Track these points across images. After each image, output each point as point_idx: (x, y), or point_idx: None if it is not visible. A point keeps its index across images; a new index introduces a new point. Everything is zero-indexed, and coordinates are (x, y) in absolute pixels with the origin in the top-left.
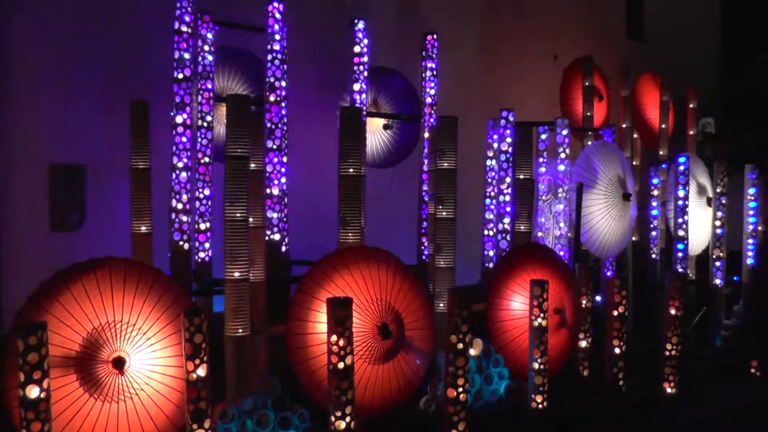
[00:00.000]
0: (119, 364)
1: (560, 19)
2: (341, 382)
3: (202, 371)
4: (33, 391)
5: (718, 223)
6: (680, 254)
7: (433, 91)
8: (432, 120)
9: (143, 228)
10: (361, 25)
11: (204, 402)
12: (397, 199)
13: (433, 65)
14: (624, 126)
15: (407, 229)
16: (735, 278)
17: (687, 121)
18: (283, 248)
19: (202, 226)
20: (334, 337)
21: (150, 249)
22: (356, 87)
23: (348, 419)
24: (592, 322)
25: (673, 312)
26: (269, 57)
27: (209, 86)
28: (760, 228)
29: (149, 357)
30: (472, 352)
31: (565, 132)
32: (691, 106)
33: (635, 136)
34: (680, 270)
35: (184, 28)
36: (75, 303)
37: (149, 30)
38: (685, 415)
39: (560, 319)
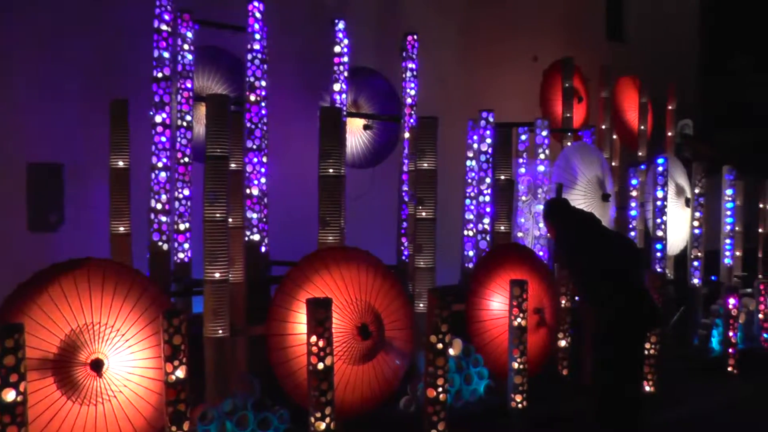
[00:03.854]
0: (97, 366)
1: (540, 20)
2: (321, 383)
3: (181, 373)
4: (9, 395)
5: (696, 223)
6: (659, 254)
7: (413, 92)
8: (412, 120)
9: (122, 228)
10: (341, 26)
11: (183, 404)
12: (377, 199)
13: (413, 66)
14: (603, 127)
15: (387, 229)
16: (713, 278)
17: (666, 123)
18: (263, 249)
19: (182, 227)
20: (313, 338)
21: (129, 250)
22: (336, 87)
23: (328, 420)
24: (572, 321)
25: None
26: (249, 56)
27: (189, 85)
28: (737, 228)
29: (128, 359)
30: (452, 352)
31: (544, 133)
32: (669, 107)
33: (614, 137)
34: (659, 270)
35: (164, 27)
36: (53, 304)
37: (129, 28)
38: (664, 413)
39: (540, 318)
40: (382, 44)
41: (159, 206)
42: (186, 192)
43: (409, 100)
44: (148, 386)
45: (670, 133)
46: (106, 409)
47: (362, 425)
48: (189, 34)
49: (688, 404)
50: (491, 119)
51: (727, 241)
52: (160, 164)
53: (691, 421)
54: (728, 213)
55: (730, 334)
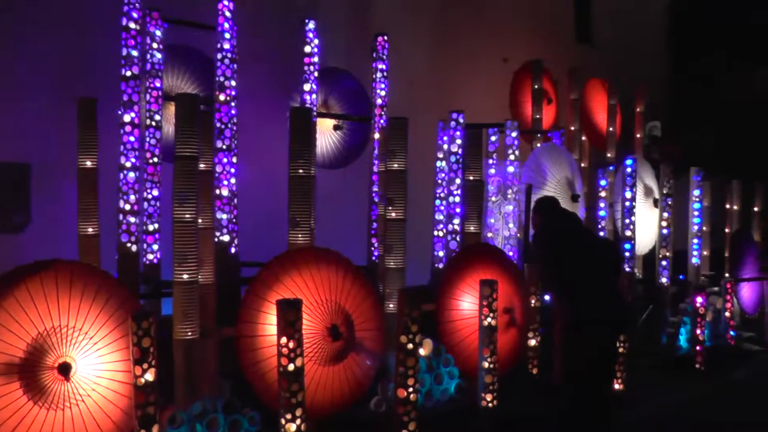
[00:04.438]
0: (65, 370)
1: (510, 22)
2: (291, 384)
3: (150, 376)
4: None
5: (664, 223)
6: (627, 254)
7: (383, 92)
8: (382, 121)
9: (90, 229)
10: (311, 25)
11: (152, 407)
12: (348, 200)
13: (384, 66)
14: (572, 128)
15: (357, 230)
16: (680, 277)
17: (634, 125)
18: (233, 250)
19: (151, 228)
20: (284, 339)
21: (97, 251)
22: (306, 87)
23: (298, 421)
24: (541, 321)
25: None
26: (219, 56)
27: (158, 85)
28: (704, 228)
29: (96, 362)
30: (422, 352)
31: (514, 134)
32: (638, 109)
33: (583, 138)
34: (627, 269)
35: (132, 25)
36: (19, 307)
37: (96, 26)
38: (633, 410)
39: (510, 318)
40: (352, 45)
41: (128, 207)
42: (155, 192)
43: (379, 101)
44: (117, 390)
45: (638, 135)
46: (74, 414)
47: (333, 426)
48: (158, 33)
49: (656, 401)
50: (461, 120)
51: (695, 240)
52: (128, 164)
53: (659, 418)
54: (695, 213)
55: (698, 331)
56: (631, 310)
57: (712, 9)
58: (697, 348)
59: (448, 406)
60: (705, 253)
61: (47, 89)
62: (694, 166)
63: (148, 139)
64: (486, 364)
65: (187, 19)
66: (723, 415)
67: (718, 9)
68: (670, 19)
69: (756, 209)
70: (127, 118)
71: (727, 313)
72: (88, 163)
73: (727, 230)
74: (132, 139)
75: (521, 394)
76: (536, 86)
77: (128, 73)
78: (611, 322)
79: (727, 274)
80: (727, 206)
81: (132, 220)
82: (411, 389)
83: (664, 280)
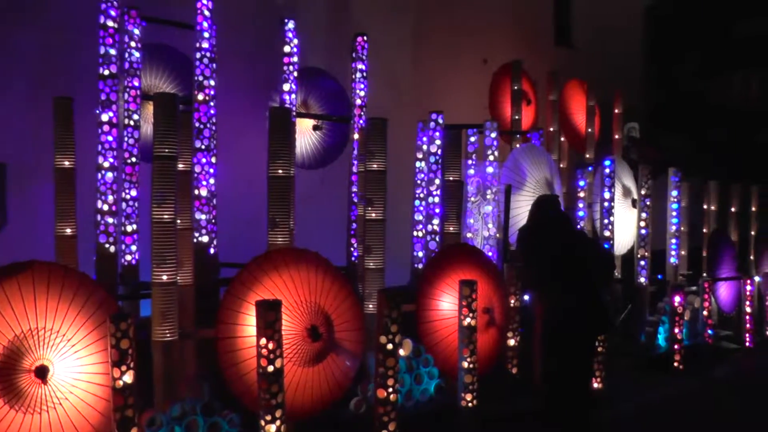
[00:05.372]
0: (42, 373)
1: (490, 24)
2: (271, 386)
3: (128, 378)
4: None
5: (642, 223)
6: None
7: (362, 93)
8: (362, 121)
9: (68, 230)
10: (291, 25)
11: (131, 409)
12: (327, 200)
13: (363, 66)
14: (551, 129)
15: (337, 230)
16: (659, 276)
17: (612, 126)
18: (212, 250)
19: (129, 228)
20: (263, 340)
21: (75, 252)
22: (286, 87)
23: (278, 423)
24: (521, 321)
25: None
26: (198, 55)
27: (136, 84)
28: (682, 228)
29: (74, 365)
30: (402, 352)
31: (493, 135)
32: (616, 111)
33: (562, 139)
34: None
35: (110, 23)
36: None
37: (74, 24)
38: (612, 408)
39: (489, 318)
40: (332, 44)
41: (106, 207)
42: (133, 193)
43: (358, 101)
44: (95, 392)
45: (616, 136)
46: (52, 418)
47: (313, 427)
48: (136, 31)
49: (635, 399)
50: (441, 121)
51: (673, 240)
52: (106, 164)
53: (638, 416)
54: (674, 213)
55: (676, 330)
56: (609, 315)
57: (690, 14)
58: (676, 347)
59: (428, 406)
60: (683, 252)
61: (23, 88)
62: (672, 167)
63: (126, 139)
64: (465, 364)
65: (166, 17)
66: (701, 413)
67: (696, 14)
68: (648, 23)
69: (733, 209)
70: (105, 117)
71: (705, 312)
72: (66, 163)
73: (704, 230)
74: (110, 138)
75: (501, 394)
76: (515, 87)
77: (106, 72)
78: (588, 325)
79: (704, 274)
80: (705, 206)
81: (110, 220)
82: (391, 389)
83: (642, 279)
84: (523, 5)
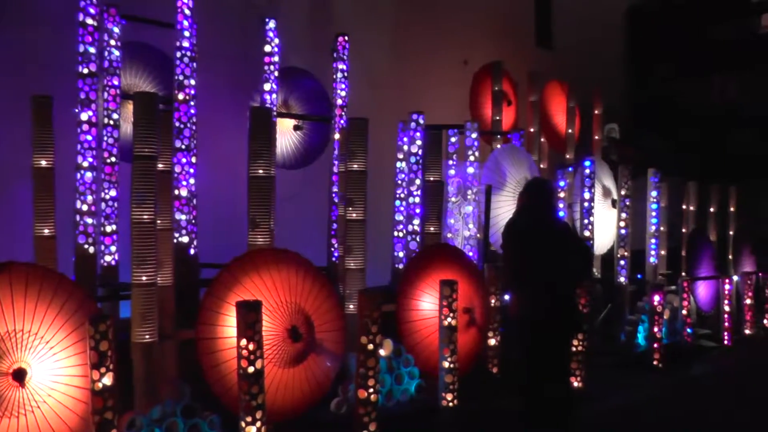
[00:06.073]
0: (20, 376)
1: (471, 25)
2: (251, 387)
3: (108, 380)
4: None
5: (622, 223)
6: None
7: (343, 93)
8: (342, 121)
9: (46, 231)
10: (272, 24)
11: (110, 412)
12: (308, 200)
13: (344, 67)
14: (532, 130)
15: (317, 230)
16: (638, 276)
17: (592, 127)
18: (192, 251)
19: (108, 229)
20: (243, 341)
21: (54, 253)
22: (267, 87)
23: (259, 424)
24: (501, 320)
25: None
26: (178, 54)
27: (116, 83)
28: (662, 228)
29: (52, 367)
30: (383, 352)
31: (474, 135)
32: (596, 112)
33: (543, 140)
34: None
35: (89, 21)
36: None
37: (52, 21)
38: (593, 407)
39: (470, 318)
40: (313, 44)
41: (85, 207)
42: (113, 193)
43: (339, 101)
44: (74, 395)
45: (596, 137)
46: (29, 421)
47: (294, 428)
48: (116, 29)
49: (615, 398)
50: (421, 121)
51: (652, 240)
52: (85, 164)
53: (618, 414)
54: (653, 214)
55: (655, 329)
56: (580, 315)
57: (669, 16)
58: (655, 345)
59: (408, 406)
60: (662, 252)
61: (0, 85)
62: (651, 168)
63: (105, 139)
64: (446, 364)
65: (146, 16)
66: (680, 411)
67: (675, 16)
68: (628, 25)
69: (712, 210)
70: (84, 116)
71: (684, 311)
72: (44, 163)
73: (683, 230)
74: (89, 138)
75: (481, 394)
76: (496, 88)
77: (85, 71)
78: (559, 323)
79: (683, 273)
80: (684, 206)
81: (89, 221)
82: (371, 390)
83: (622, 279)
84: (504, 6)
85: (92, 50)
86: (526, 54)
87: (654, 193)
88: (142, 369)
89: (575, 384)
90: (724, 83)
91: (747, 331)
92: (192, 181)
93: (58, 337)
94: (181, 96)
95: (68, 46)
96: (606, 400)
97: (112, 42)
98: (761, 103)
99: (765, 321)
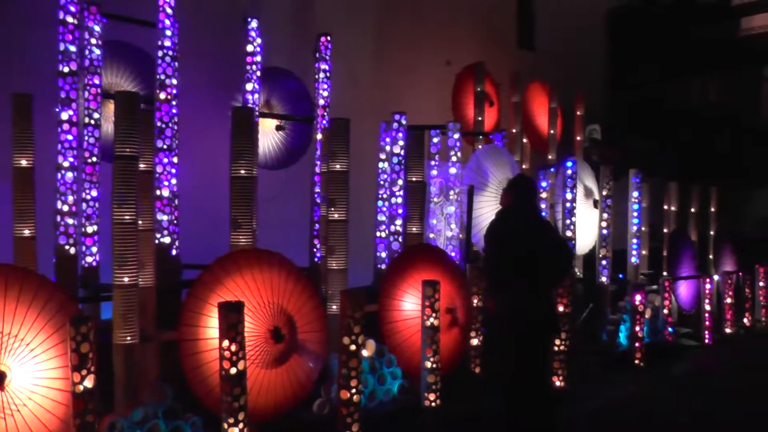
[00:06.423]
0: (0, 378)
1: (454, 26)
2: (234, 388)
3: (89, 382)
4: None
5: (604, 224)
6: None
7: (326, 93)
8: (325, 122)
9: (26, 231)
10: (254, 24)
11: (91, 415)
12: (290, 201)
13: (327, 67)
14: (514, 131)
15: (300, 231)
16: (620, 276)
17: (574, 127)
18: (174, 251)
19: (89, 229)
20: (225, 342)
21: (34, 254)
22: (249, 87)
23: (241, 425)
24: (483, 320)
25: (561, 309)
26: (160, 53)
27: (97, 82)
28: (643, 228)
29: (33, 370)
30: (365, 353)
31: (456, 136)
32: (578, 113)
33: (525, 140)
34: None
35: (70, 19)
36: None
37: (32, 19)
38: (575, 406)
39: (452, 318)
40: (295, 44)
41: (65, 208)
42: (94, 193)
43: (321, 101)
44: (55, 398)
45: (578, 138)
46: (9, 425)
47: (276, 429)
48: (96, 28)
49: (597, 397)
50: (404, 121)
51: (634, 240)
52: (66, 164)
53: (601, 413)
54: (634, 214)
55: (637, 328)
56: (556, 316)
57: (652, 17)
58: (637, 344)
59: (391, 407)
60: (644, 252)
61: None
62: (633, 168)
63: (86, 138)
64: (429, 364)
65: (127, 14)
66: (662, 409)
67: (658, 18)
68: (609, 27)
69: (693, 210)
70: (64, 115)
71: (665, 311)
72: (24, 162)
73: (665, 230)
74: (70, 137)
75: (464, 394)
76: (478, 89)
77: (66, 69)
78: (534, 322)
79: (665, 273)
80: (665, 207)
81: (70, 221)
82: (354, 390)
83: (604, 279)
84: (486, 7)
85: (73, 49)
86: (508, 55)
87: (635, 194)
88: (123, 371)
89: (558, 383)
90: (705, 84)
91: (727, 330)
92: (174, 181)
93: (38, 339)
94: (162, 95)
95: (49, 45)
96: (588, 399)
97: (93, 40)
98: (741, 105)
99: (745, 320)
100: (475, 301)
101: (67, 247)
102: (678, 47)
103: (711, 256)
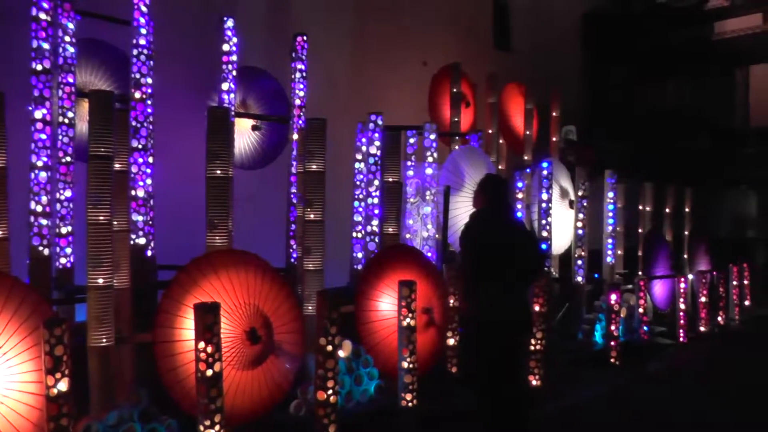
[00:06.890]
0: None
1: (430, 27)
2: (210, 390)
3: (63, 385)
4: None
5: (579, 224)
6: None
7: (302, 93)
8: (301, 122)
9: None
10: (230, 23)
11: (66, 418)
12: (266, 201)
13: (303, 67)
14: (490, 131)
15: (276, 231)
16: (595, 275)
17: (550, 128)
18: (149, 252)
19: (63, 230)
20: (201, 344)
21: (7, 255)
22: (225, 86)
23: (218, 427)
24: (460, 320)
25: (537, 308)
26: (135, 52)
27: (71, 80)
28: (618, 229)
29: (5, 373)
30: (342, 353)
31: (432, 136)
32: (554, 113)
33: (501, 141)
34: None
35: (43, 16)
36: None
37: (4, 15)
38: (551, 404)
39: (429, 318)
40: (271, 44)
41: (39, 208)
42: (68, 193)
43: (298, 101)
44: (28, 402)
45: (554, 138)
46: None
47: (253, 431)
48: (70, 25)
49: (573, 395)
50: (380, 122)
51: (609, 240)
52: (39, 163)
53: (576, 411)
54: (610, 214)
55: (612, 327)
56: (530, 317)
57: (628, 20)
58: (612, 343)
59: (368, 407)
60: (619, 252)
61: None
62: (608, 169)
63: (60, 137)
64: (405, 365)
65: (102, 12)
66: (637, 407)
67: (634, 20)
68: (585, 29)
69: (667, 210)
70: (38, 114)
71: (641, 310)
72: None
73: (640, 230)
74: (43, 136)
75: (441, 394)
76: (455, 89)
77: (39, 67)
78: (509, 322)
79: (640, 272)
80: (640, 207)
81: (44, 222)
82: (331, 391)
83: (579, 278)
84: (463, 8)
85: (46, 46)
86: (484, 55)
87: (611, 194)
88: (98, 373)
89: (533, 382)
90: (680, 86)
91: (702, 329)
92: (149, 181)
93: (11, 342)
94: (137, 95)
95: (22, 42)
96: (564, 398)
97: (67, 38)
98: (715, 107)
99: (719, 318)
100: (452, 301)
101: (41, 248)
102: (653, 50)
103: (686, 256)
